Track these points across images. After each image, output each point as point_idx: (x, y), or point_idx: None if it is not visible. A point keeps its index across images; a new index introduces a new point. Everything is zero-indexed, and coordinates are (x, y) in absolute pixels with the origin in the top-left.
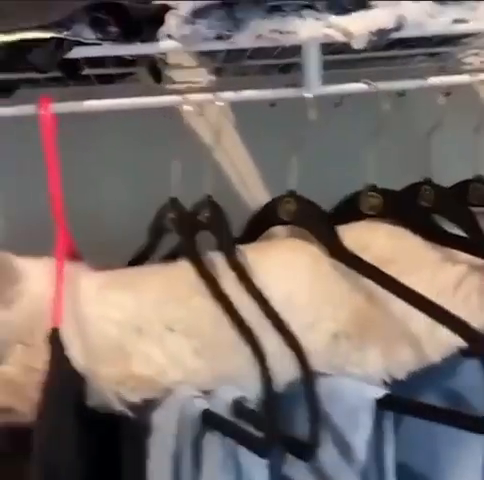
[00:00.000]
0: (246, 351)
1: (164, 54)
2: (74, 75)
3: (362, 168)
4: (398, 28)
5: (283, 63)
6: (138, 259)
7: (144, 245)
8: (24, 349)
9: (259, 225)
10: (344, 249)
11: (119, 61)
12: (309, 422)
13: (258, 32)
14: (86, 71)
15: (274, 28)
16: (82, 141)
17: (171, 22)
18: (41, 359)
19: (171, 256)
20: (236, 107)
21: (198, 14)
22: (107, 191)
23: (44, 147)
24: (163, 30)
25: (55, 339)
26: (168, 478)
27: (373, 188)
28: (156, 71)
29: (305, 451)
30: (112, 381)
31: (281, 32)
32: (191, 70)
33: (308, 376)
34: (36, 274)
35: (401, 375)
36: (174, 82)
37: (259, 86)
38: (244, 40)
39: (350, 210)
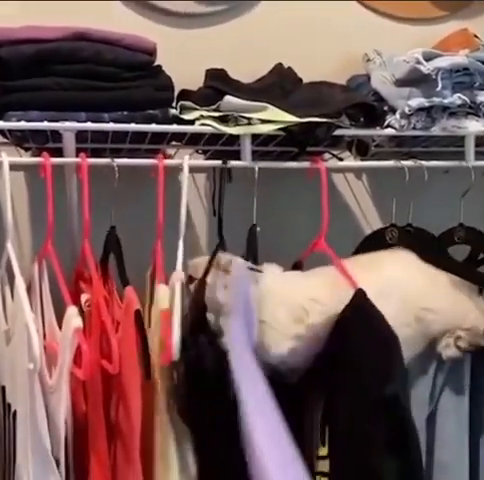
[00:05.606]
0: None
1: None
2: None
3: None
4: None
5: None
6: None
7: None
8: None
9: None
10: None
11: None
12: None
13: (444, 126)
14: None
15: (453, 124)
16: None
17: (397, 116)
18: None
19: None
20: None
21: (413, 113)
22: None
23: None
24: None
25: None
26: None
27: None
28: (365, 147)
29: None
30: None
31: (459, 127)
32: None
33: None
34: None
35: None
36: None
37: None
38: (437, 130)
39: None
